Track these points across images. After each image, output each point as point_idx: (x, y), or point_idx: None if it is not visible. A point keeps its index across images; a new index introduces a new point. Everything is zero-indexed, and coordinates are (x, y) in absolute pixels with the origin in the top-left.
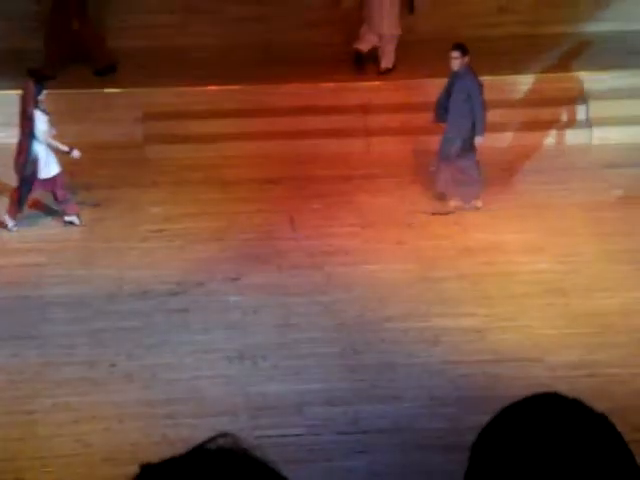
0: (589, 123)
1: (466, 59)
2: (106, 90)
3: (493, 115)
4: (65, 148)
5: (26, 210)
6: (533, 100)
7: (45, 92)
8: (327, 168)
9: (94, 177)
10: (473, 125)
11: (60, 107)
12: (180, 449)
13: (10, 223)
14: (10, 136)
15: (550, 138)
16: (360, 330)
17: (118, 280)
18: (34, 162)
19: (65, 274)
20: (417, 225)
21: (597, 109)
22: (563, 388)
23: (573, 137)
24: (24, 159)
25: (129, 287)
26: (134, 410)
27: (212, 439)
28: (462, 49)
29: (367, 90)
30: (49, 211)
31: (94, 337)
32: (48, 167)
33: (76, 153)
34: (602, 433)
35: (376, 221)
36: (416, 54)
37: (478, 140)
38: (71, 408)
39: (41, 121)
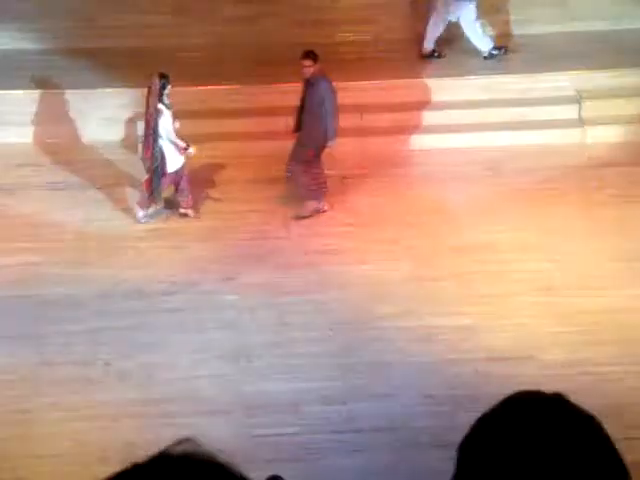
0: (582, 122)
1: (317, 66)
2: (100, 90)
3: (486, 114)
4: (182, 144)
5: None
6: (524, 100)
7: (170, 87)
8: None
9: (88, 176)
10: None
11: (53, 106)
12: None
13: (140, 213)
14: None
15: (542, 137)
16: (354, 329)
17: (114, 279)
18: (161, 156)
19: (61, 273)
20: (411, 224)
21: (590, 108)
22: (555, 386)
23: (565, 136)
24: (150, 154)
25: (125, 286)
26: (129, 409)
27: (174, 444)
28: (313, 56)
29: (361, 89)
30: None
31: (90, 336)
32: (174, 160)
33: (191, 150)
34: (587, 432)
35: (370, 221)
36: (412, 53)
37: (331, 145)
38: (67, 407)
39: (165, 116)
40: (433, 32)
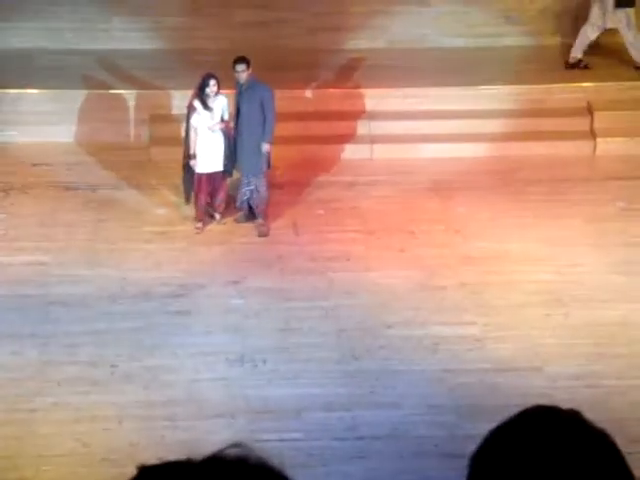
0: (593, 134)
1: (250, 70)
2: (112, 91)
3: (497, 125)
4: (192, 151)
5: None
6: (536, 110)
7: (213, 84)
8: (331, 174)
9: (99, 178)
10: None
11: (66, 106)
12: (178, 451)
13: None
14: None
15: (553, 149)
16: (360, 336)
17: (121, 281)
18: (192, 154)
19: (68, 274)
20: (419, 233)
21: (601, 120)
22: (562, 398)
23: (576, 148)
24: (184, 149)
25: (131, 288)
26: (134, 411)
27: (227, 448)
28: (247, 61)
29: (372, 97)
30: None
31: (96, 337)
32: (207, 161)
33: (193, 162)
34: (601, 449)
35: (379, 228)
36: (424, 62)
37: (265, 147)
38: (71, 407)
39: (196, 113)
40: (583, 41)
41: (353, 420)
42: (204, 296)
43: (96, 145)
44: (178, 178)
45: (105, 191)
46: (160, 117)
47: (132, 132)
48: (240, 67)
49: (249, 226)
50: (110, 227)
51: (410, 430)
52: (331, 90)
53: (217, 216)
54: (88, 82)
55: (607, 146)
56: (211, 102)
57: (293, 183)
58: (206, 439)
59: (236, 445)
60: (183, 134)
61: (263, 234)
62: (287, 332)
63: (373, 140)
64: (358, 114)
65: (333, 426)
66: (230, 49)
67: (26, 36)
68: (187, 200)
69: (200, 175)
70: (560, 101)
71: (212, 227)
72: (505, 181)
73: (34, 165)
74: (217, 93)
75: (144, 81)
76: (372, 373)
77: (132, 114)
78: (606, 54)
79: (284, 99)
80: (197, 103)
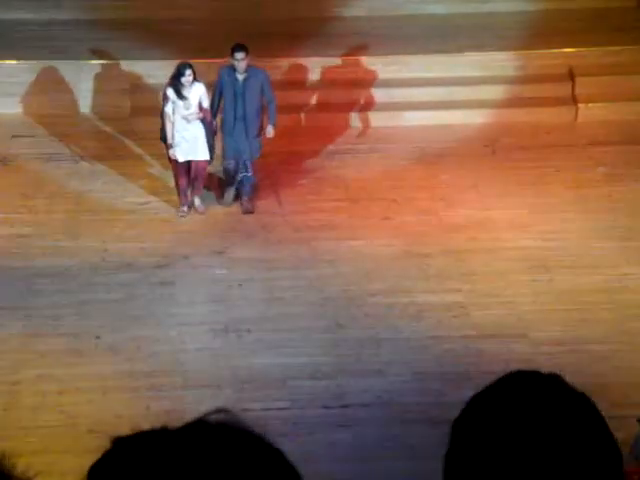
0: (574, 100)
1: (249, 57)
2: (93, 61)
3: (479, 92)
4: (169, 140)
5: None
6: (517, 77)
7: (189, 74)
8: (313, 143)
9: (81, 148)
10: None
11: (47, 77)
12: (164, 421)
13: (183, 208)
14: None
15: (535, 115)
16: (345, 305)
17: (103, 252)
18: (169, 144)
19: (51, 245)
20: (402, 200)
21: (582, 86)
22: (546, 364)
23: (558, 114)
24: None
25: (114, 259)
26: (118, 382)
27: (210, 413)
28: (246, 49)
29: (354, 65)
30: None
31: (79, 309)
32: (183, 150)
33: (171, 152)
34: (582, 411)
35: (362, 196)
36: (406, 29)
37: (270, 131)
38: (55, 379)
39: (170, 102)
40: None
41: (338, 388)
42: (188, 266)
43: (77, 116)
44: (160, 148)
45: (87, 162)
46: (141, 87)
47: (113, 102)
48: (240, 55)
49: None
50: (93, 198)
51: (395, 397)
52: (312, 59)
53: (197, 202)
54: (68, 52)
55: (589, 112)
56: (186, 91)
57: (275, 153)
58: (192, 409)
59: (220, 411)
60: (160, 122)
61: (249, 210)
62: (271, 302)
63: (355, 108)
64: (340, 82)
65: (318, 395)
66: (210, 18)
67: (5, 7)
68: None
69: (178, 162)
70: (541, 67)
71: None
72: (488, 148)
73: (14, 137)
74: (193, 82)
75: (124, 51)
76: (357, 341)
77: (113, 84)
78: (587, 19)
79: (266, 68)
80: (171, 92)
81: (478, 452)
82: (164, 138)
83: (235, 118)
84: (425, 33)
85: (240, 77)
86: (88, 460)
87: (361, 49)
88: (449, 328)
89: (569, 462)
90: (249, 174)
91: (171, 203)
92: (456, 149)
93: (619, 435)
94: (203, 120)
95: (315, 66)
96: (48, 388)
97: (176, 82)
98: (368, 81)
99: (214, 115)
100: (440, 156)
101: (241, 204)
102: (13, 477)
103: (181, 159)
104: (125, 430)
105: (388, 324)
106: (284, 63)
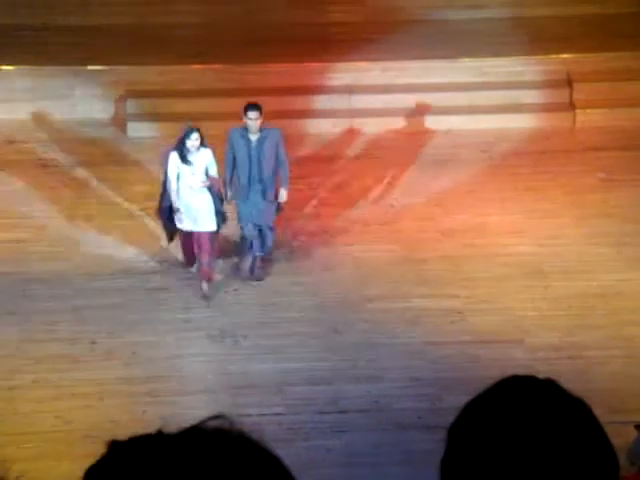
0: (572, 106)
1: (262, 117)
2: (89, 67)
3: (477, 98)
4: (175, 205)
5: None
6: (516, 83)
7: (195, 138)
8: (312, 148)
9: (77, 154)
10: None
11: (43, 83)
12: (160, 426)
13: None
14: None
15: (532, 121)
16: (341, 310)
17: (99, 258)
18: (176, 208)
19: (47, 251)
20: (399, 206)
21: (580, 92)
22: (543, 370)
23: (556, 120)
24: (160, 194)
25: (111, 265)
26: (114, 387)
27: (208, 419)
28: (259, 108)
29: (352, 70)
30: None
31: (75, 314)
32: (189, 220)
33: (177, 217)
34: (578, 416)
35: (359, 202)
36: (403, 35)
37: (283, 195)
38: (51, 385)
39: (172, 165)
40: None
41: (335, 394)
42: (183, 272)
43: (73, 121)
44: (156, 154)
45: (83, 168)
46: (137, 93)
47: (109, 108)
48: (253, 114)
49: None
50: (88, 204)
51: (392, 403)
52: (310, 64)
53: (204, 287)
54: (63, 58)
55: (587, 117)
56: (192, 157)
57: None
58: (188, 414)
59: (217, 417)
60: (162, 177)
61: (260, 278)
62: (268, 307)
63: (353, 114)
64: (337, 88)
65: (315, 400)
66: (207, 23)
67: (2, 11)
68: (170, 239)
69: (183, 231)
70: (539, 73)
71: None
72: (485, 154)
73: (10, 142)
74: (200, 147)
75: (120, 57)
76: (353, 347)
77: (108, 90)
78: (585, 25)
79: (262, 74)
80: (175, 157)
81: (474, 457)
82: (164, 210)
83: (250, 182)
84: (423, 39)
85: (253, 138)
86: (84, 465)
87: (358, 54)
88: (446, 334)
89: (566, 467)
90: (267, 240)
91: None
92: (454, 155)
93: (616, 441)
94: (210, 188)
95: (312, 71)
96: (44, 394)
97: (181, 146)
98: (365, 87)
99: (230, 182)
100: (437, 162)
101: (251, 270)
102: None
103: (185, 228)
104: (121, 435)
105: (385, 330)
106: (281, 68)
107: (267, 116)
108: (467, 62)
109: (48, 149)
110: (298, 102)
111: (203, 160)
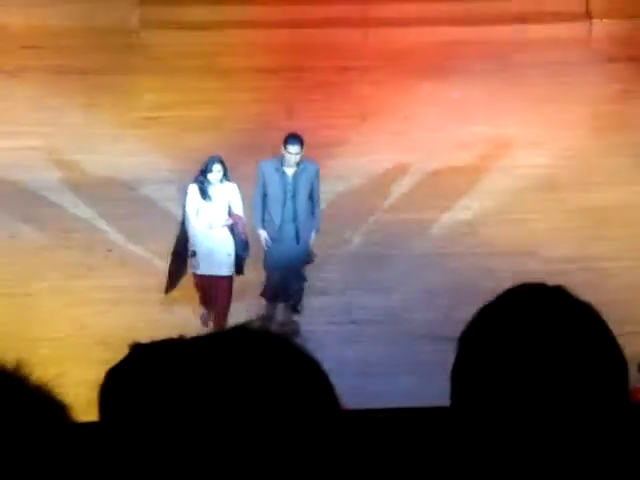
0: (589, 15)
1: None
2: None
3: (491, 7)
4: (191, 247)
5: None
6: None
7: (217, 170)
8: (325, 58)
9: (89, 61)
10: None
11: None
12: (174, 334)
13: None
14: None
15: (549, 31)
16: (353, 221)
17: (113, 167)
18: (192, 251)
19: (60, 159)
20: (413, 117)
21: (597, 1)
22: (556, 281)
23: (572, 29)
24: (178, 234)
25: (124, 174)
26: (129, 295)
27: (247, 322)
28: (301, 141)
29: None
30: None
31: (90, 223)
32: (206, 263)
33: (192, 262)
34: (586, 320)
35: (373, 113)
36: None
37: (312, 237)
38: (67, 292)
39: (191, 200)
40: None
41: (347, 305)
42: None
43: (86, 28)
44: (170, 62)
45: (95, 75)
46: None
47: (122, 14)
48: (294, 149)
49: (241, 111)
50: (101, 112)
51: (404, 314)
52: None
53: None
54: None
55: (603, 27)
56: (213, 191)
57: (286, 68)
58: (243, 321)
59: (255, 321)
60: (180, 217)
61: (296, 332)
62: None
63: (367, 23)
64: None
65: (327, 310)
66: None
67: None
68: (168, 289)
69: (197, 275)
70: None
71: (202, 113)
72: (501, 65)
73: (23, 47)
74: (222, 180)
75: None
76: (366, 258)
77: None
78: None
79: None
80: (194, 190)
81: (485, 362)
82: (179, 251)
83: (283, 220)
84: None
85: (289, 172)
86: (100, 371)
87: None
88: (458, 245)
89: (574, 371)
90: (301, 284)
91: (180, 118)
92: (468, 66)
93: (627, 351)
94: (232, 228)
95: None
96: (59, 300)
97: (202, 179)
98: None
99: (262, 224)
100: (451, 73)
101: (282, 324)
102: (29, 385)
103: (200, 272)
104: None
105: (398, 241)
106: None
107: (281, 25)
108: None
109: (61, 55)
110: (313, 11)
111: (226, 195)
